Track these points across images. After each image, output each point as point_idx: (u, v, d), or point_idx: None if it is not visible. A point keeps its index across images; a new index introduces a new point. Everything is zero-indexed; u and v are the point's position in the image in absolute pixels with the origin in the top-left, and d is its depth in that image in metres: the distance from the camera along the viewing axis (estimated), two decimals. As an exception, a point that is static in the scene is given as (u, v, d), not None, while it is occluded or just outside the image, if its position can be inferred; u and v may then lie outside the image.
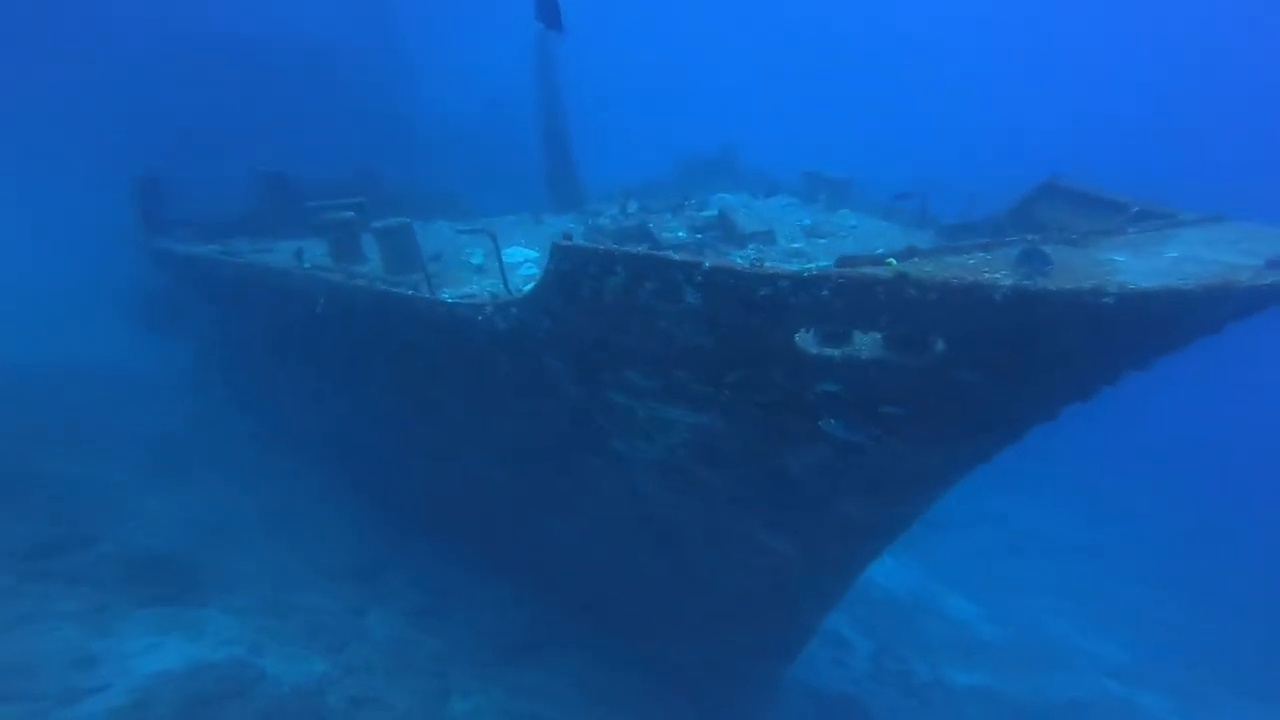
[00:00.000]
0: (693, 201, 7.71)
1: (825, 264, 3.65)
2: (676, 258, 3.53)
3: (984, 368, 3.33)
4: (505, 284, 4.81)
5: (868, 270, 3.16)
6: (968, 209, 7.11)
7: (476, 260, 6.38)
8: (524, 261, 6.52)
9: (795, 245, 6.89)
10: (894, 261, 3.34)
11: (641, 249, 3.83)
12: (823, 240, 7.15)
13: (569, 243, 3.82)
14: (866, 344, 3.43)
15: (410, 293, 5.17)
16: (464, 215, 9.46)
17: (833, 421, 3.71)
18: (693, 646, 6.64)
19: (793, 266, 5.86)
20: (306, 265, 6.05)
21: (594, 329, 4.21)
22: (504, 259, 6.60)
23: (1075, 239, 3.71)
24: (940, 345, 3.28)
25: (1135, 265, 3.28)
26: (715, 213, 7.33)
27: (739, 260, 6.30)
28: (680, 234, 6.34)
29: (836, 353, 3.45)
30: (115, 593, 7.84)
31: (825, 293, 3.18)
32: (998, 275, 3.06)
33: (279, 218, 8.16)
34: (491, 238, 4.65)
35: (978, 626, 11.78)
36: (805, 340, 3.50)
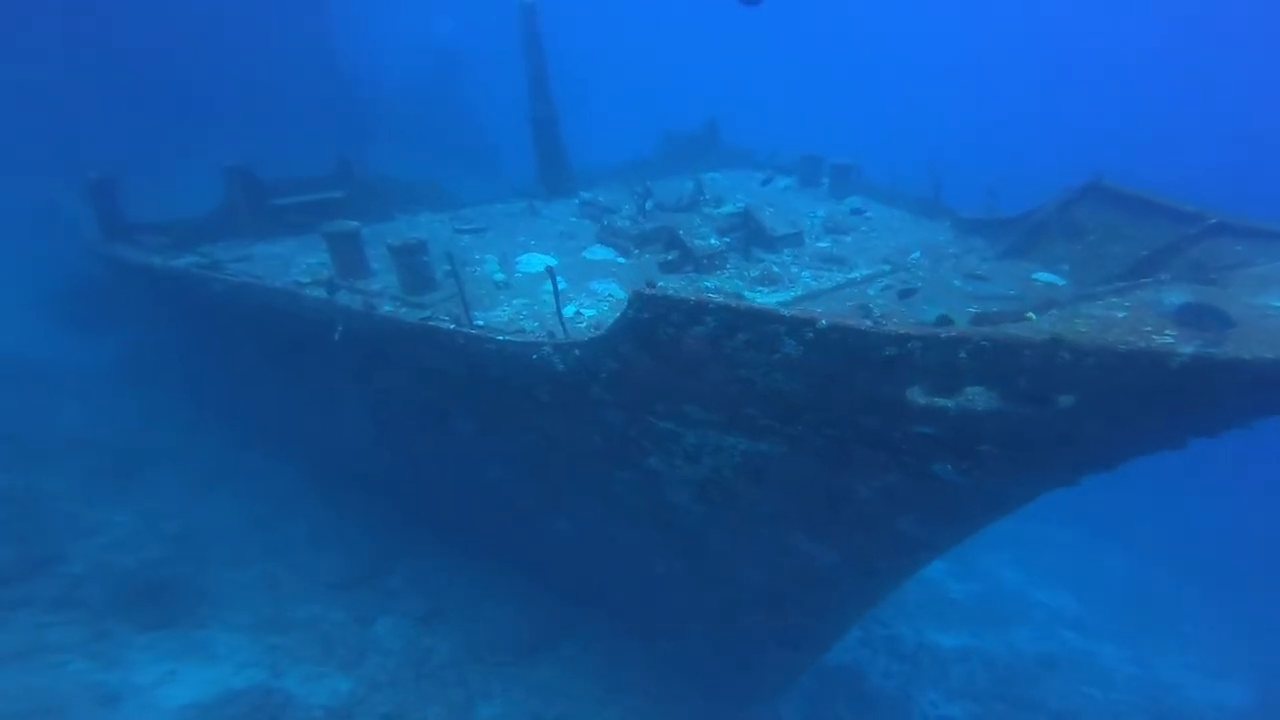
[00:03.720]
0: (707, 196, 7.50)
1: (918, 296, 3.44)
2: (785, 313, 3.33)
3: (1117, 421, 3.11)
4: (563, 327, 4.52)
5: (1014, 332, 2.94)
6: (989, 202, 7.12)
7: (497, 276, 6.06)
8: (543, 271, 6.24)
9: (822, 245, 6.81)
10: (1033, 316, 3.16)
11: (735, 299, 3.56)
12: (848, 239, 7.04)
13: (652, 291, 3.62)
14: (980, 394, 3.16)
15: (451, 327, 4.86)
16: (447, 204, 9.00)
17: (948, 467, 3.56)
18: (710, 639, 6.69)
19: (833, 274, 5.91)
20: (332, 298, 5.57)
21: (665, 373, 4.02)
22: (524, 269, 6.32)
23: (1213, 279, 3.51)
24: (1070, 400, 3.00)
25: None
26: (733, 209, 7.16)
27: (772, 262, 6.21)
28: (713, 241, 6.15)
29: (950, 404, 3.20)
30: (108, 618, 7.49)
31: (962, 355, 2.99)
32: (1168, 337, 2.81)
33: (248, 216, 7.50)
34: (550, 274, 4.37)
35: (947, 585, 12.59)
36: (914, 391, 3.28)
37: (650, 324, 3.71)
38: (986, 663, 9.74)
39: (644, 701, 7.29)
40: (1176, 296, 3.27)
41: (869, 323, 3.21)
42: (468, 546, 8.66)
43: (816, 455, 4.30)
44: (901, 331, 3.09)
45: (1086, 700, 9.62)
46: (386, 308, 5.38)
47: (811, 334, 3.24)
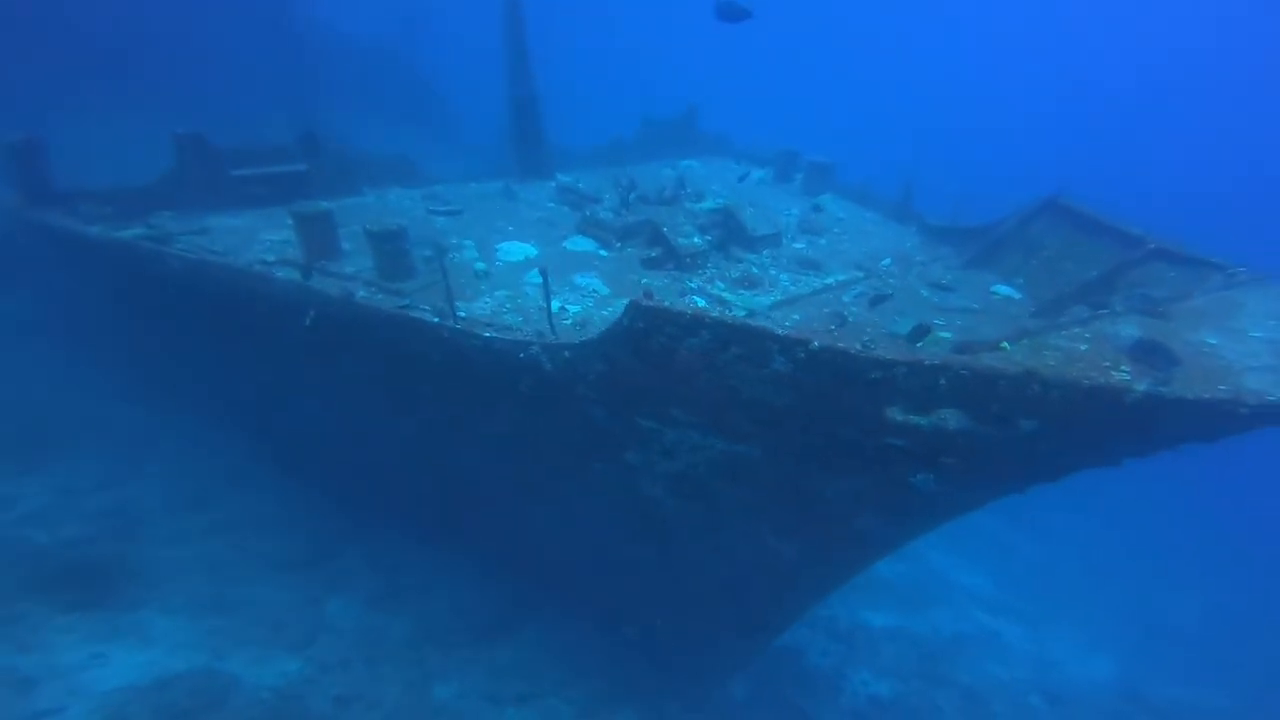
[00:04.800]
0: (687, 191, 7.53)
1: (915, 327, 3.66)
2: (779, 332, 3.44)
3: (1074, 444, 3.44)
4: (552, 328, 4.48)
5: (991, 363, 3.21)
6: (955, 212, 7.50)
7: (478, 265, 5.89)
8: (524, 260, 6.14)
9: (798, 246, 6.99)
10: (1008, 346, 3.46)
11: (730, 315, 3.64)
12: (822, 240, 7.26)
13: (649, 303, 3.64)
14: (952, 415, 3.42)
15: (436, 320, 4.73)
16: (417, 180, 8.64)
17: (929, 478, 3.78)
18: (672, 624, 6.93)
19: (810, 277, 6.10)
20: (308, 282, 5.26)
21: (654, 379, 4.09)
22: (505, 257, 6.19)
23: (1160, 311, 3.95)
24: (1032, 424, 3.28)
25: (1235, 351, 3.43)
26: (713, 205, 7.23)
27: (752, 263, 6.34)
28: (696, 239, 6.20)
29: (924, 421, 3.45)
30: (22, 599, 6.93)
31: (943, 381, 3.22)
32: (1123, 372, 3.14)
33: (201, 187, 6.93)
34: (542, 273, 4.31)
35: (881, 566, 13.38)
36: (893, 410, 3.52)
37: (644, 333, 3.78)
38: (913, 642, 10.54)
39: (602, 683, 7.48)
40: (1129, 329, 3.70)
41: (858, 346, 3.39)
42: (425, 528, 8.53)
43: (791, 459, 4.51)
44: (889, 357, 3.31)
45: (990, 677, 10.59)
46: (361, 293, 5.18)
47: (803, 354, 3.40)
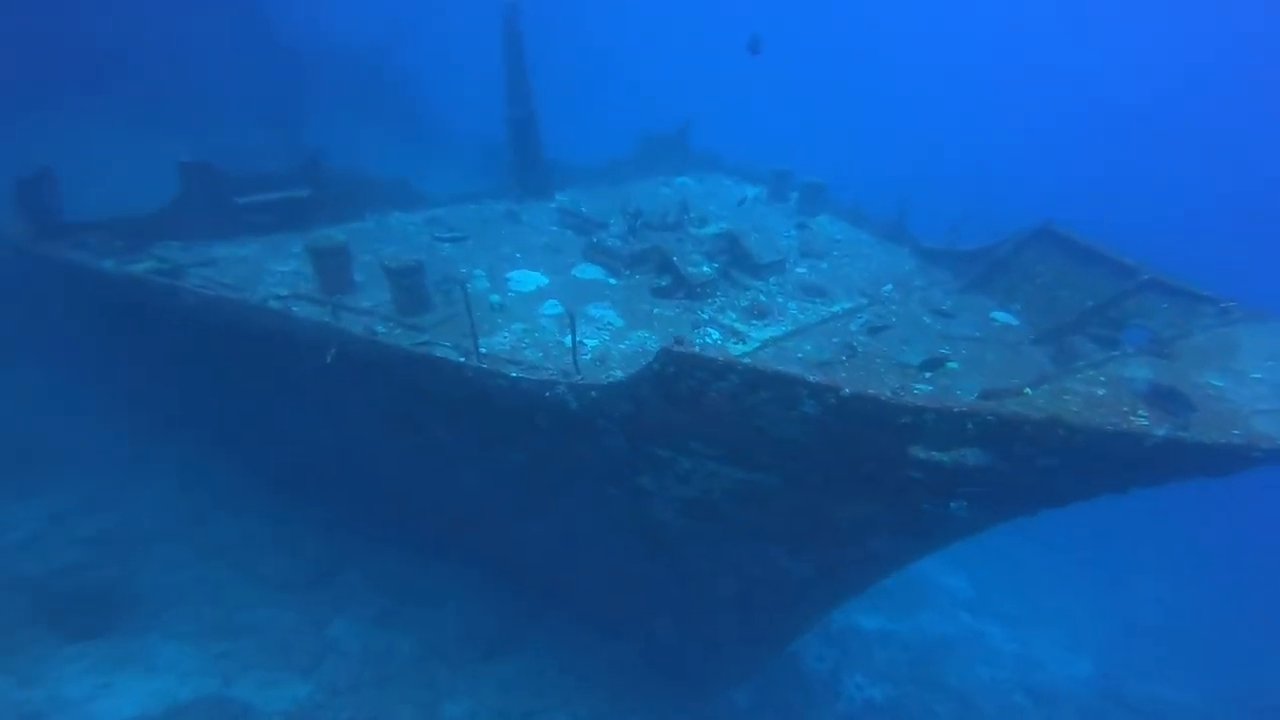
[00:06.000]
0: (690, 216, 7.68)
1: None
2: (810, 379, 3.54)
3: (1089, 479, 3.65)
4: (576, 366, 4.58)
5: (1016, 409, 3.35)
6: (952, 235, 7.75)
7: (493, 297, 5.93)
8: (536, 290, 6.21)
9: (801, 270, 7.17)
10: (1030, 392, 3.67)
11: (762, 365, 3.69)
12: (824, 265, 7.43)
13: (681, 349, 3.74)
14: (973, 453, 3.54)
15: (461, 360, 4.78)
16: (416, 202, 8.57)
17: (964, 504, 3.94)
18: (681, 638, 7.04)
19: (817, 305, 6.26)
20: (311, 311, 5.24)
21: (679, 418, 4.18)
22: (517, 287, 6.26)
23: (1166, 352, 4.24)
24: (1051, 461, 3.43)
25: (1241, 395, 3.71)
26: (717, 230, 7.38)
27: (759, 291, 6.50)
28: (705, 268, 6.35)
29: (946, 458, 3.57)
30: (21, 630, 6.82)
31: (969, 426, 3.37)
32: (1140, 417, 3.40)
33: (208, 215, 6.83)
34: (570, 318, 4.40)
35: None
36: (916, 449, 3.63)
37: (675, 378, 3.89)
38: (903, 645, 10.89)
39: (609, 696, 7.61)
40: (1142, 372, 3.99)
41: (888, 393, 3.53)
42: (429, 546, 8.55)
43: (810, 488, 4.68)
44: (918, 404, 3.47)
45: (977, 679, 11.00)
46: (380, 328, 5.21)
47: (834, 400, 3.55)
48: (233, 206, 6.89)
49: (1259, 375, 4.03)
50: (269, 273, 6.28)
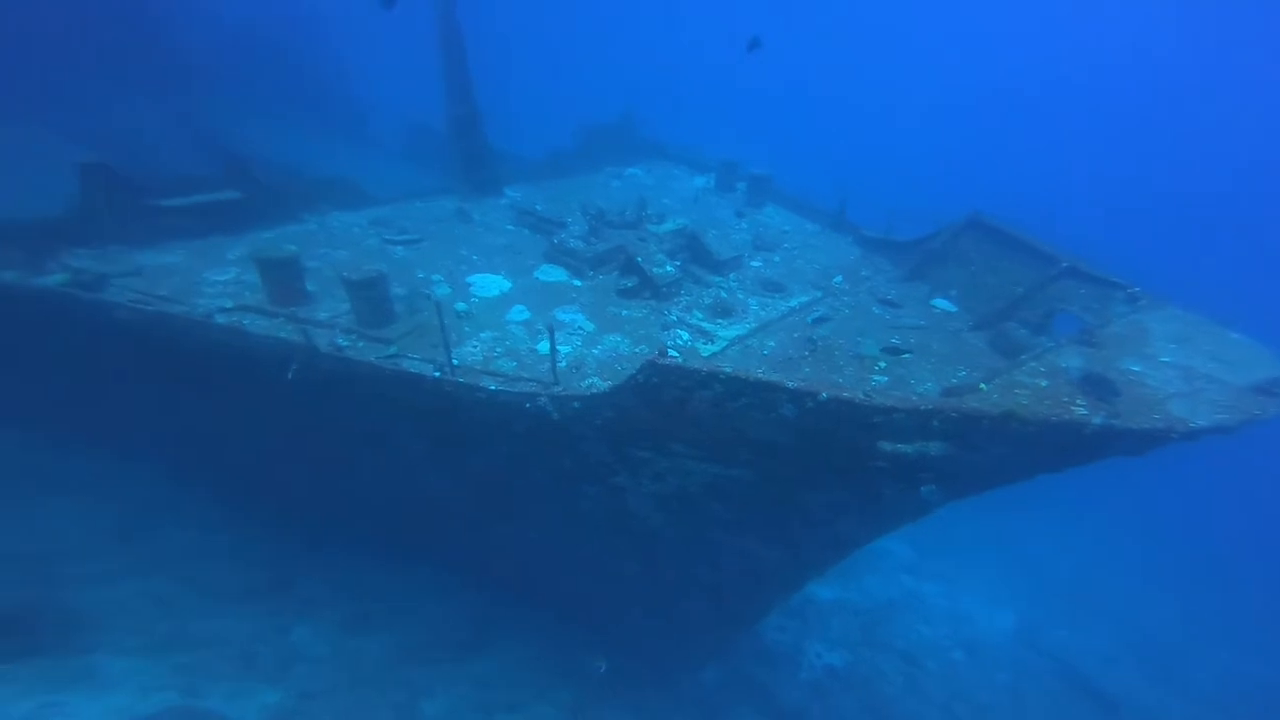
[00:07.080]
0: (648, 213, 7.74)
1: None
2: (789, 385, 3.74)
3: (1033, 461, 4.05)
4: (555, 375, 4.62)
5: (976, 405, 3.72)
6: (889, 226, 8.17)
7: (458, 305, 5.80)
8: (500, 295, 6.16)
9: (756, 265, 7.39)
10: (985, 387, 4.09)
11: (744, 373, 3.86)
12: (777, 258, 7.69)
13: (665, 361, 3.88)
14: (936, 445, 3.88)
15: (437, 375, 4.70)
16: (358, 201, 8.20)
17: (934, 489, 4.30)
18: (653, 624, 7.27)
19: (776, 300, 6.50)
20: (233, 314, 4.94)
21: (659, 423, 4.33)
22: (480, 293, 6.18)
23: (1093, 341, 4.73)
24: (1005, 450, 3.81)
25: (1155, 378, 4.23)
26: (674, 227, 7.50)
27: (720, 287, 6.70)
28: (669, 268, 6.46)
29: (910, 449, 3.90)
30: (-58, 655, 6.33)
31: (935, 423, 3.69)
32: (1079, 406, 3.81)
33: (113, 221, 6.30)
34: (550, 330, 4.41)
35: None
36: (884, 443, 3.91)
37: (659, 387, 4.04)
38: (855, 611, 11.62)
39: (583, 685, 7.83)
40: (1075, 360, 4.43)
41: (861, 395, 3.81)
42: (393, 550, 8.43)
43: (782, 480, 4.95)
44: (889, 404, 3.77)
45: (920, 638, 11.90)
46: (343, 341, 5.05)
47: (812, 404, 3.80)
48: (151, 210, 6.41)
49: (1167, 359, 4.57)
50: (207, 283, 5.93)
